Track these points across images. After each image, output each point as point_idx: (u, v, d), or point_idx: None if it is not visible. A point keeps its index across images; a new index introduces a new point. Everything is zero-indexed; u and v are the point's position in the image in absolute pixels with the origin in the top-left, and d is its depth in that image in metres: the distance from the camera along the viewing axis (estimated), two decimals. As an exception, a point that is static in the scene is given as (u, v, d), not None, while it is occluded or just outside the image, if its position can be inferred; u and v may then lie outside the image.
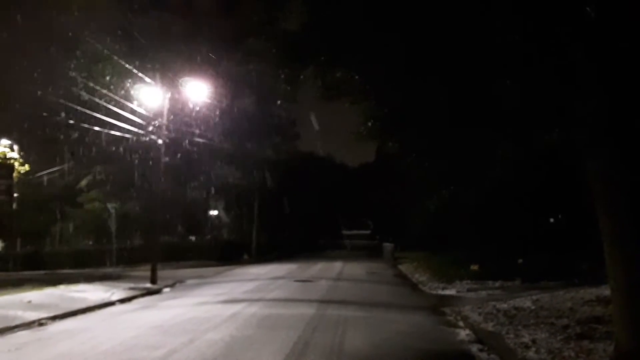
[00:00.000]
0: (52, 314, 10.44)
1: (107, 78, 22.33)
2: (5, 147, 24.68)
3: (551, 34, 6.41)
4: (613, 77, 5.97)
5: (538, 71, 7.03)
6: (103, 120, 19.66)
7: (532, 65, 7.03)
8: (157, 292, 15.71)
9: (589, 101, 6.20)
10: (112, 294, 13.92)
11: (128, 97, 19.87)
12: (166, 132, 18.62)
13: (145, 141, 19.91)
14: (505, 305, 10.86)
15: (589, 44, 6.06)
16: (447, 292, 14.92)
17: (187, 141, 26.07)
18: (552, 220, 20.04)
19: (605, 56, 5.95)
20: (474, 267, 17.74)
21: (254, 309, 11.03)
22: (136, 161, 26.66)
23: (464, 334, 8.67)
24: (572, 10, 6.09)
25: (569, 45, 6.30)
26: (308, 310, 10.70)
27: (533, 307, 10.33)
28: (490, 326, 8.99)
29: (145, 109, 18.78)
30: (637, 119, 5.96)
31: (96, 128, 20.27)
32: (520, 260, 17.31)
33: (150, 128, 18.59)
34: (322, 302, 12.19)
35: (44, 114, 23.85)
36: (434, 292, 15.30)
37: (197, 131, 25.75)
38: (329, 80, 8.84)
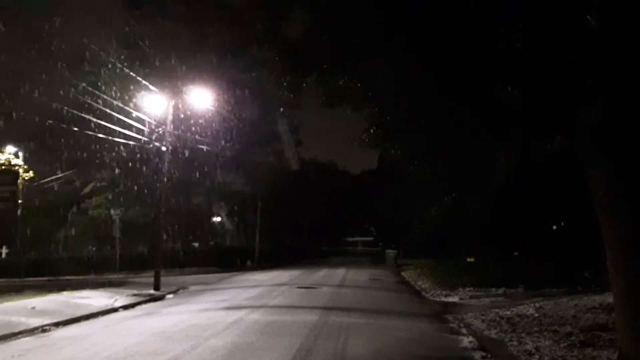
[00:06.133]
0: (55, 321, 10.46)
1: (112, 85, 22.47)
2: (10, 154, 24.77)
3: (554, 38, 6.45)
4: (615, 82, 5.99)
5: (540, 76, 7.06)
6: (108, 127, 19.77)
7: (534, 71, 7.07)
8: (160, 298, 15.73)
9: (591, 106, 6.21)
10: (116, 300, 13.94)
11: (133, 105, 19.98)
12: (170, 139, 18.72)
13: (150, 148, 20.02)
14: (508, 313, 10.84)
15: (591, 48, 6.09)
16: (450, 299, 14.91)
17: (190, 148, 26.17)
18: (554, 227, 19.98)
19: (607, 61, 5.98)
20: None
21: (256, 315, 11.02)
22: (140, 168, 26.78)
23: (466, 341, 8.66)
24: (575, 17, 6.13)
25: (571, 50, 6.33)
26: (311, 317, 10.69)
27: (536, 315, 10.30)
28: (493, 333, 8.98)
29: (149, 116, 18.89)
30: (639, 125, 5.98)
31: (100, 135, 20.37)
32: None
33: (155, 135, 18.69)
34: (325, 309, 12.17)
35: (49, 121, 23.97)
36: (437, 299, 15.29)
37: (201, 138, 25.86)
38: (331, 88, 8.91)
